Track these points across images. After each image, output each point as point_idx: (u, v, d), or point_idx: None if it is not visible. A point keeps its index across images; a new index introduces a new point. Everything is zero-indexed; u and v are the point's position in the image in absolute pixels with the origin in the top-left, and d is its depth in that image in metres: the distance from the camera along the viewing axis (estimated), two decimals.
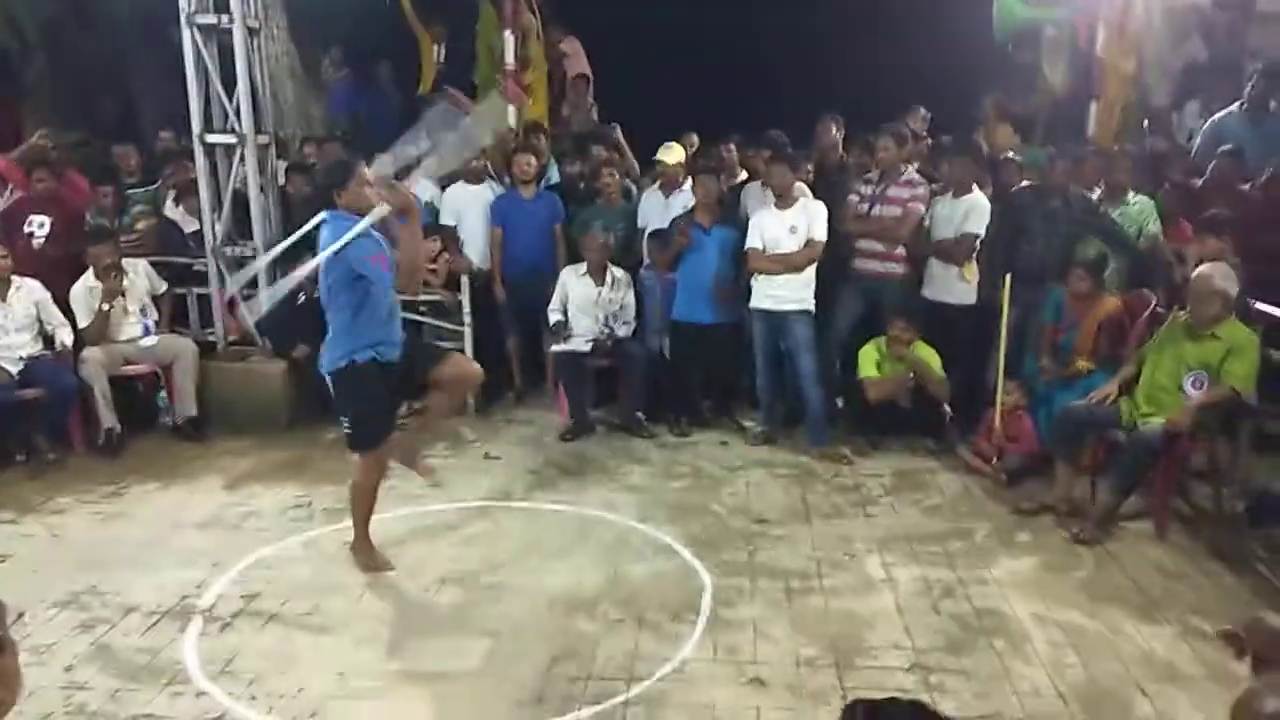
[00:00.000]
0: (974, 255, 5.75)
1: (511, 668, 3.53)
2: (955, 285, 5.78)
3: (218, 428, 6.01)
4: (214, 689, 3.38)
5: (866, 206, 5.82)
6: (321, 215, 3.92)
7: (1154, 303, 5.35)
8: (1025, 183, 6.16)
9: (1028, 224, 5.78)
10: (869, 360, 5.68)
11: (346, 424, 4.12)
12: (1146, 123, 7.69)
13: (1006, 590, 4.11)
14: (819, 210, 5.62)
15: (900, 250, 5.79)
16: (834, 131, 6.71)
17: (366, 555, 4.29)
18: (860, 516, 4.88)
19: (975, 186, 5.78)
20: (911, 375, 5.60)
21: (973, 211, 5.68)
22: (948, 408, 5.66)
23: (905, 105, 7.63)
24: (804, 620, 3.84)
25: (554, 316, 6.29)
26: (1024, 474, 5.25)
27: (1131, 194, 5.91)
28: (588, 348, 6.19)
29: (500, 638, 3.74)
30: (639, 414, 6.17)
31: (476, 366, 4.41)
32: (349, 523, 4.46)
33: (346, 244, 3.78)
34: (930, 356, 5.61)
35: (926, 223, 5.83)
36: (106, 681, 3.42)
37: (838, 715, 3.18)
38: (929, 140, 7.31)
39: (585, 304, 6.28)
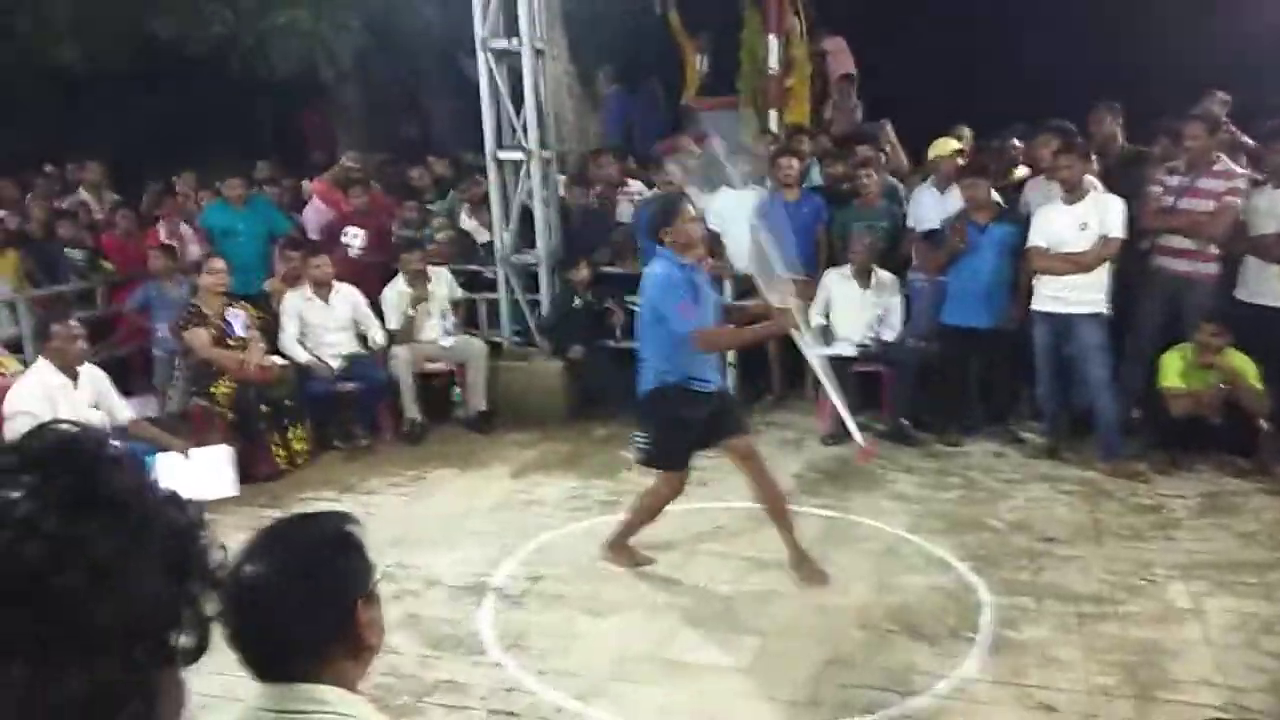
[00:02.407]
0: None
1: (782, 668, 3.55)
2: (1275, 285, 5.15)
3: (504, 421, 6.48)
4: (508, 661, 3.65)
5: (1171, 199, 5.31)
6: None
7: None
8: None
9: None
10: (1173, 368, 5.17)
11: (644, 441, 4.17)
12: None
13: None
14: (1114, 205, 5.19)
15: (1212, 248, 5.24)
16: (1110, 122, 6.12)
17: (619, 553, 4.38)
18: (1161, 540, 4.47)
19: None
20: (1223, 386, 5.05)
21: None
22: (1264, 423, 5.05)
23: (1201, 90, 6.88)
24: (1098, 647, 3.57)
25: (817, 321, 6.24)
26: None
27: None
28: (852, 351, 6.09)
29: (769, 637, 3.77)
30: (905, 421, 6.00)
31: (751, 446, 4.21)
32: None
33: (658, 287, 3.91)
34: (1245, 365, 5.03)
35: (1242, 216, 5.24)
36: (415, 648, 3.79)
37: None
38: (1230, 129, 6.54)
39: (849, 307, 6.19)
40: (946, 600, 4.00)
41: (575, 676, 3.53)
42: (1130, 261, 5.36)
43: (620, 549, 4.40)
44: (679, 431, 4.09)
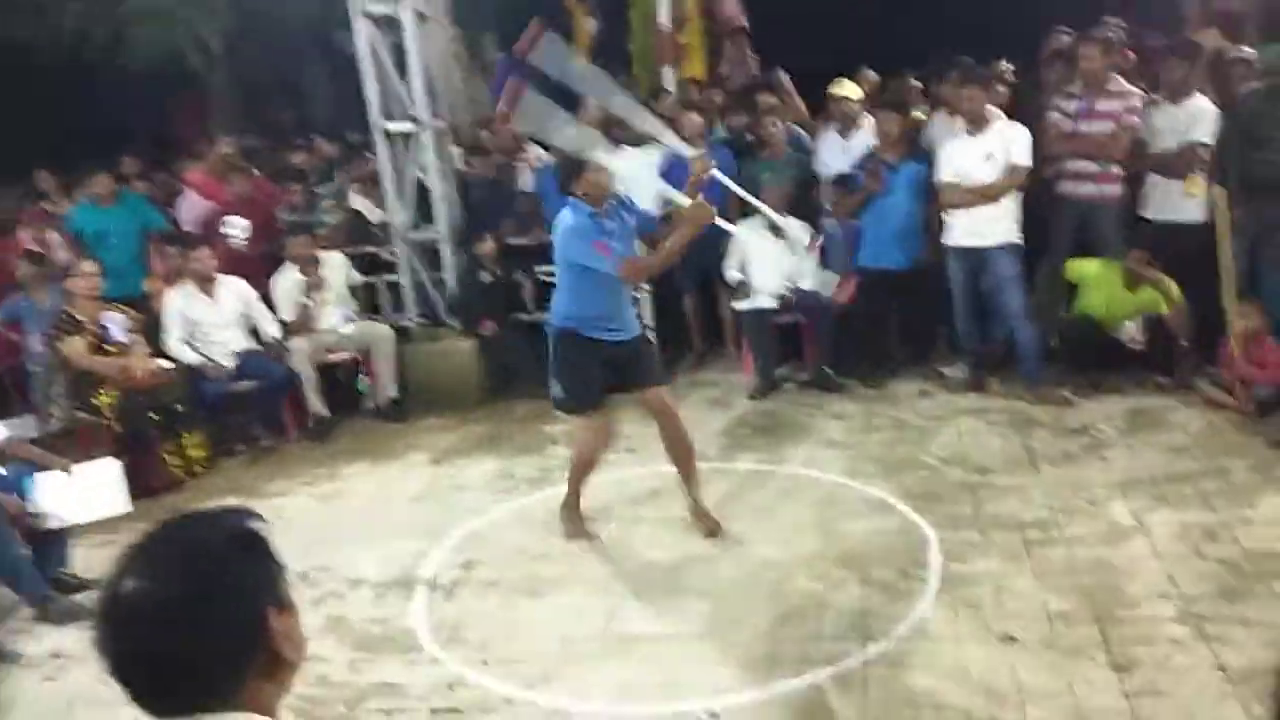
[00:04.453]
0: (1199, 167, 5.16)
1: (736, 629, 3.41)
2: (1180, 202, 5.20)
3: (417, 407, 6.14)
4: (447, 656, 3.41)
5: (1071, 124, 5.31)
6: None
7: None
8: (1253, 86, 5.47)
9: (1261, 130, 5.16)
10: (1098, 291, 5.17)
11: (557, 386, 4.16)
12: None
13: (1278, 530, 3.66)
14: (1018, 133, 5.17)
15: (1115, 169, 5.27)
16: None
17: (571, 521, 4.27)
18: (1095, 461, 4.48)
19: (1197, 90, 5.18)
20: (1165, 312, 5.06)
21: (1197, 117, 5.10)
22: (1183, 340, 5.12)
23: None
24: (1049, 572, 3.53)
25: (733, 275, 6.11)
26: (1276, 404, 4.69)
27: None
28: (772, 304, 5.98)
29: (719, 599, 3.62)
30: (828, 368, 5.92)
31: (671, 406, 4.18)
32: (556, 490, 4.49)
33: (569, 235, 3.89)
34: (1172, 287, 5.07)
35: (1141, 135, 5.28)
36: (344, 653, 3.51)
37: (1105, 671, 2.91)
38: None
39: (764, 259, 6.06)
40: (893, 541, 3.92)
41: (522, 663, 3.32)
42: (1037, 190, 5.35)
43: (571, 516, 4.27)
44: (582, 372, 4.05)
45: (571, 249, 3.90)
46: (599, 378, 4.05)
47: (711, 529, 4.13)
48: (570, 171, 3.97)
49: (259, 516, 1.27)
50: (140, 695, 1.16)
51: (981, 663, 3.04)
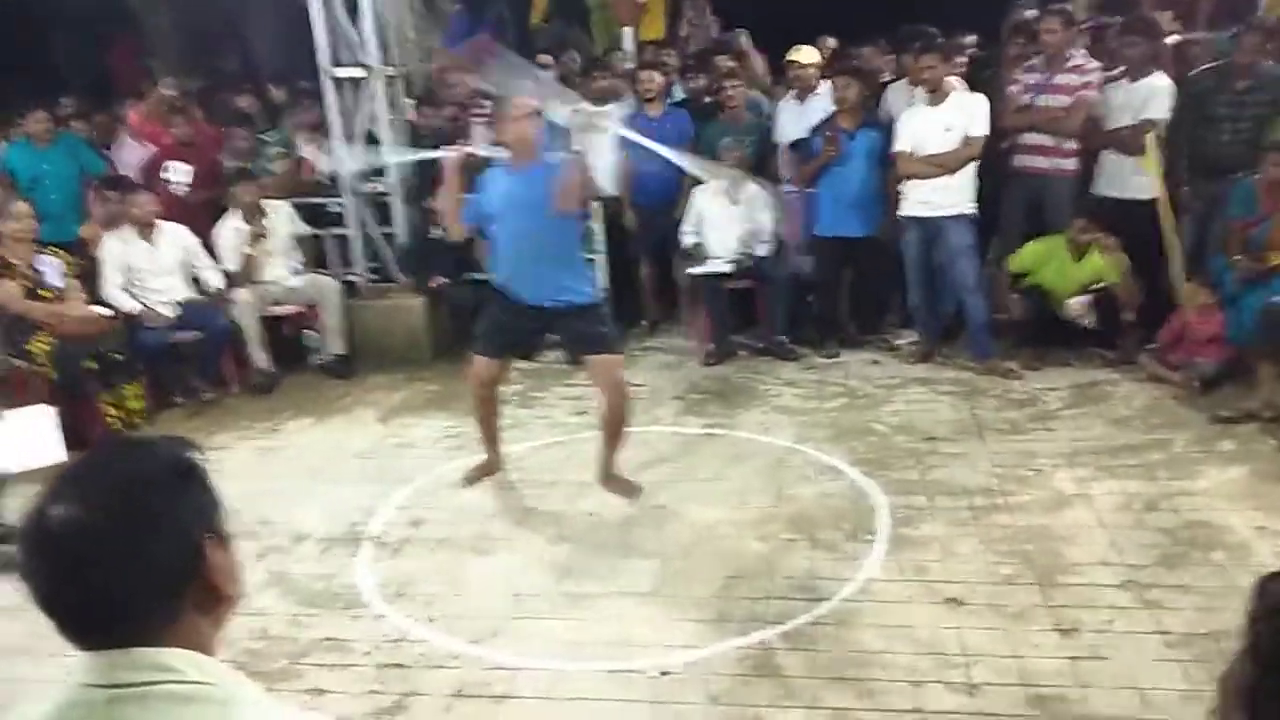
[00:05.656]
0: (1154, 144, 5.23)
1: (686, 588, 3.42)
2: (1132, 179, 5.27)
3: (365, 363, 6.01)
4: (392, 612, 3.36)
5: (1029, 97, 5.35)
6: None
7: None
8: (1206, 65, 5.55)
9: (1211, 109, 5.25)
10: (1048, 268, 5.24)
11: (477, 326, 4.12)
12: None
13: (1217, 501, 3.77)
14: (976, 104, 5.18)
15: (1069, 144, 5.32)
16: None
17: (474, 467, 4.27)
18: (1040, 431, 4.54)
19: (1154, 69, 5.24)
20: (1105, 285, 5.15)
21: (1153, 96, 5.16)
22: (1128, 314, 5.21)
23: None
24: (995, 538, 3.58)
25: (688, 239, 6.06)
26: (1219, 380, 4.80)
27: None
28: (727, 269, 5.95)
29: (669, 559, 3.62)
30: (782, 337, 5.92)
31: (619, 380, 3.96)
32: (505, 450, 4.43)
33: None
34: (1118, 253, 5.15)
35: (1099, 111, 5.32)
36: (286, 607, 3.45)
37: (1049, 634, 2.96)
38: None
39: (720, 224, 6.03)
40: (842, 505, 3.94)
41: (469, 620, 3.28)
42: (992, 163, 5.38)
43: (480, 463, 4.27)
44: (491, 320, 3.98)
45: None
46: (506, 332, 3.95)
47: (626, 491, 4.01)
48: (494, 115, 3.96)
49: (195, 445, 1.20)
50: (68, 627, 1.09)
51: (928, 624, 3.08)
